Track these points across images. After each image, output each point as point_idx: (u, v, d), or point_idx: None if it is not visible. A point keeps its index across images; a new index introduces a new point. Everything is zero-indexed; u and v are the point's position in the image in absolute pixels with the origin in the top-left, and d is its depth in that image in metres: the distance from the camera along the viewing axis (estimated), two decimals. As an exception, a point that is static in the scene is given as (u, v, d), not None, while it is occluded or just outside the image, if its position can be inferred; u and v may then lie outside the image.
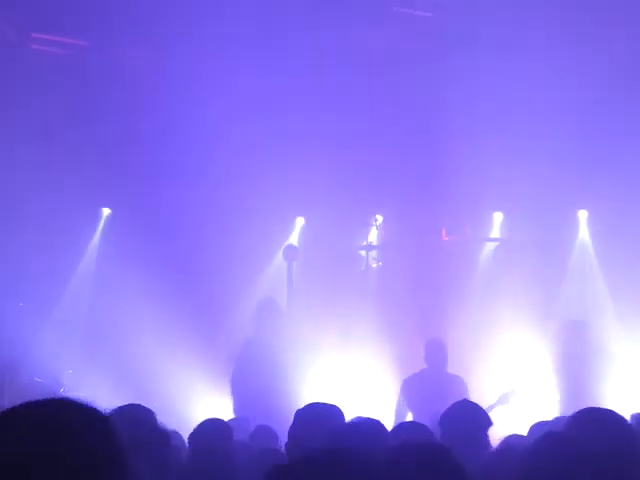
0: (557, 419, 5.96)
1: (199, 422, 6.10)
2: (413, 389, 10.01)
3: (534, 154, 11.75)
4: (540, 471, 2.99)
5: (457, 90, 11.87)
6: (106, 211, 13.92)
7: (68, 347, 12.28)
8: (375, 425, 4.58)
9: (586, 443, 3.22)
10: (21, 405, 2.28)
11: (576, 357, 10.48)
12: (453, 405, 5.24)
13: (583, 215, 13.32)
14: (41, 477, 2.08)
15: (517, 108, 11.54)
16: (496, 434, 6.18)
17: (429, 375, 10.14)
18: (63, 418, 2.23)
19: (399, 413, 9.91)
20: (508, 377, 10.85)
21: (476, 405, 5.38)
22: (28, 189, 11.93)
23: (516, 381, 10.38)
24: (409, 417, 9.64)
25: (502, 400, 9.91)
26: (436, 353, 10.33)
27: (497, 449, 5.20)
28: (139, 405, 4.72)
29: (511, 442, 5.16)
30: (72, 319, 12.77)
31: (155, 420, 4.55)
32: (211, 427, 5.89)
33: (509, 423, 9.50)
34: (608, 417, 4.00)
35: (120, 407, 4.48)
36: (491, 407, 9.68)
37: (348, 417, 5.35)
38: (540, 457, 3.09)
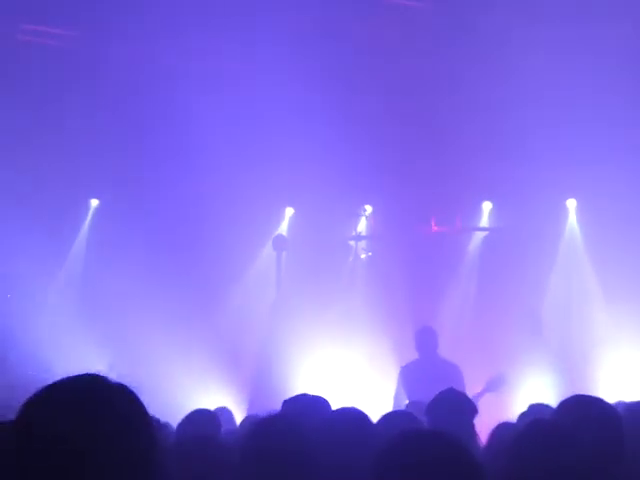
0: (545, 406, 5.97)
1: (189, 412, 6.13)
2: (410, 376, 10.00)
3: (523, 143, 11.76)
4: (526, 459, 3.00)
5: (445, 80, 11.89)
6: (94, 202, 13.90)
7: (58, 338, 12.27)
8: (359, 415, 4.59)
9: (572, 430, 3.23)
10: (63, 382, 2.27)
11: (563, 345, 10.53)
12: (438, 395, 5.25)
13: (572, 204, 13.34)
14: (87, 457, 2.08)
15: (505, 98, 11.55)
16: (485, 421, 6.22)
17: (425, 362, 10.14)
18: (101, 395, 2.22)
19: (397, 401, 9.91)
20: (498, 365, 10.85)
21: (461, 394, 5.40)
22: (16, 180, 11.89)
23: (504, 368, 10.37)
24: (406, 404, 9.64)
25: (490, 387, 9.91)
26: (427, 340, 10.34)
27: (488, 439, 5.22)
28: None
29: (500, 430, 5.18)
30: (61, 310, 12.74)
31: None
32: (199, 416, 5.91)
33: (499, 410, 9.55)
34: (595, 404, 4.02)
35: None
36: (479, 394, 9.69)
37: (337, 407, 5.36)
38: (526, 445, 3.10)
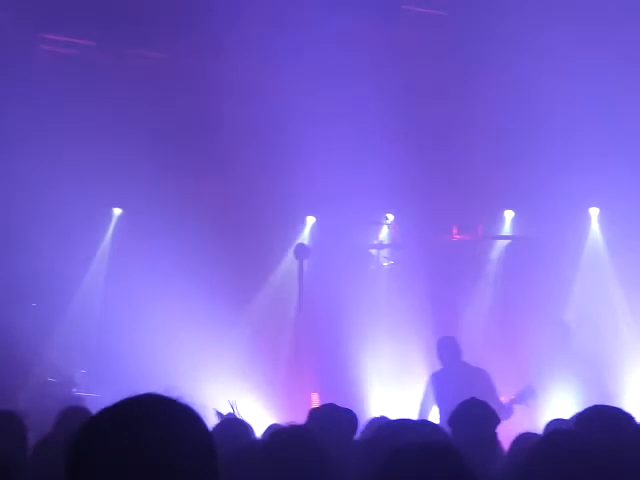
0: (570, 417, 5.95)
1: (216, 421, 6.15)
2: (439, 383, 9.90)
3: (545, 151, 11.73)
4: (542, 470, 3.01)
5: (468, 89, 11.88)
6: (117, 211, 13.96)
7: (81, 347, 12.34)
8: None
9: (589, 440, 3.23)
10: (128, 401, 2.24)
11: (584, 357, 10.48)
12: (460, 405, 5.24)
13: (594, 212, 13.29)
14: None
15: (527, 106, 11.52)
16: (512, 431, 6.20)
17: (453, 370, 10.03)
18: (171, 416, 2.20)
19: (423, 408, 9.86)
20: (521, 374, 10.80)
21: (483, 403, 5.38)
22: (39, 190, 11.96)
23: (533, 381, 10.29)
24: (434, 412, 9.60)
25: (518, 399, 9.81)
26: (448, 350, 10.22)
27: (510, 448, 5.22)
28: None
29: (521, 441, 5.17)
30: (84, 319, 12.81)
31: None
32: (230, 425, 5.91)
33: (525, 419, 9.51)
34: (614, 414, 4.01)
35: None
36: (507, 406, 9.57)
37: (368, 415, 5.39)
38: (542, 455, 3.10)
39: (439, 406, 9.50)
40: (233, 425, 5.89)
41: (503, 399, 9.69)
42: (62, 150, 11.68)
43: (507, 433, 5.41)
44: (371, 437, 4.61)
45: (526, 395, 9.87)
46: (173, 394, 2.25)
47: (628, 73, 11.22)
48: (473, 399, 5.36)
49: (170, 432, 2.14)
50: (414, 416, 9.28)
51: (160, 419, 2.17)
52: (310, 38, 11.69)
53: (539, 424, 6.84)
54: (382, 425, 4.81)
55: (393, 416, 6.61)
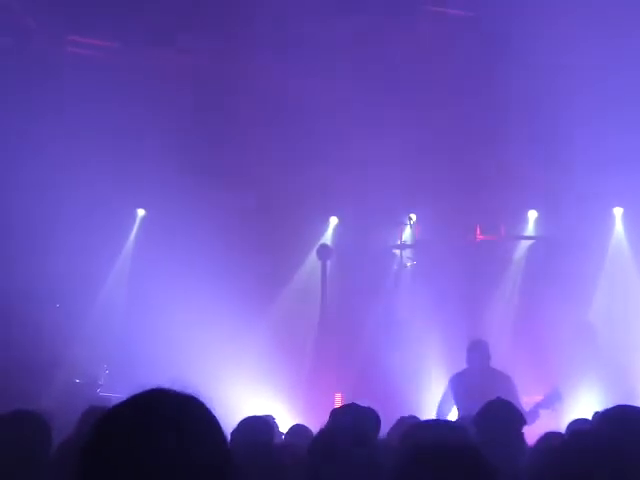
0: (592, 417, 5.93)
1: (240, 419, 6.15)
2: (461, 385, 9.84)
3: (569, 151, 11.68)
4: (565, 468, 2.99)
5: (492, 89, 11.85)
6: (141, 212, 14.02)
7: (105, 347, 12.39)
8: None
9: (612, 440, 3.22)
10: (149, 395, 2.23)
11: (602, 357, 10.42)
12: (486, 405, 5.23)
13: (618, 212, 13.23)
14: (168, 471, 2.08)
15: (552, 106, 11.47)
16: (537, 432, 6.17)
17: (477, 372, 9.96)
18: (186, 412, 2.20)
19: (441, 409, 9.82)
20: (547, 376, 10.74)
21: (509, 403, 5.36)
22: (63, 191, 12.03)
23: (559, 384, 10.20)
24: (453, 413, 9.56)
25: (544, 404, 9.69)
26: (479, 354, 10.11)
27: (533, 448, 5.19)
28: None
29: (546, 441, 5.15)
30: (108, 319, 12.86)
31: None
32: (253, 423, 5.91)
33: (551, 420, 9.44)
34: (636, 414, 3.99)
35: None
36: (533, 410, 9.48)
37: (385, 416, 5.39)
38: (566, 454, 3.09)
39: (459, 408, 9.46)
40: (254, 423, 5.90)
41: (527, 400, 9.62)
42: (87, 151, 11.72)
43: (532, 433, 5.38)
44: (398, 437, 4.61)
45: (553, 399, 9.72)
46: (186, 389, 2.25)
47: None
48: (499, 399, 5.34)
49: (182, 428, 2.14)
50: (432, 416, 9.24)
51: (172, 415, 2.16)
52: (329, 40, 11.70)
53: (563, 424, 6.81)
54: (410, 425, 4.81)
55: (421, 416, 6.60)
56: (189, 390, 2.25)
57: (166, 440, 2.10)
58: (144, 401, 2.22)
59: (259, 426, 5.85)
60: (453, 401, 9.72)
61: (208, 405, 2.25)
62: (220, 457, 2.19)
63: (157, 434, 2.11)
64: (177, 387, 2.28)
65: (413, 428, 4.93)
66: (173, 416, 2.16)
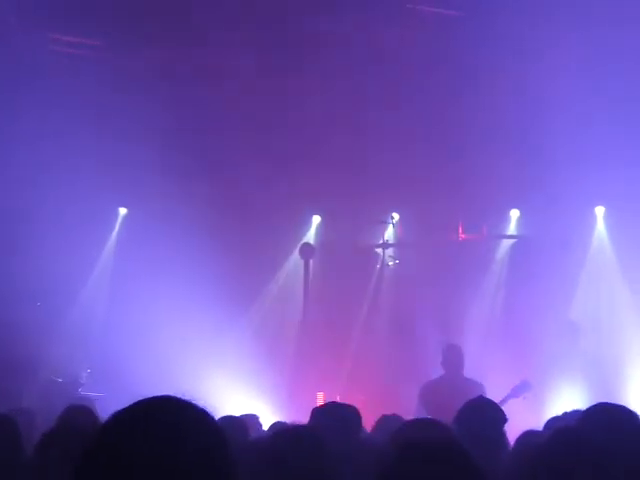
0: (570, 413, 5.94)
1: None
2: (431, 394, 9.95)
3: (550, 150, 11.71)
4: (549, 467, 3.00)
5: (473, 88, 11.87)
6: (123, 211, 13.98)
7: (86, 346, 12.35)
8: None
9: (596, 437, 3.23)
10: (143, 404, 2.24)
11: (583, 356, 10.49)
12: (467, 403, 5.23)
13: (600, 211, 13.27)
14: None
15: (533, 105, 11.51)
16: (512, 429, 6.19)
17: (448, 381, 10.08)
18: (183, 419, 2.20)
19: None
20: (527, 372, 10.79)
21: (491, 402, 5.37)
22: (45, 189, 11.98)
23: (528, 375, 10.29)
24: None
25: (513, 393, 9.85)
26: (453, 358, 10.28)
27: (514, 446, 5.20)
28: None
29: (526, 438, 5.16)
30: (90, 318, 12.82)
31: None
32: (226, 424, 5.90)
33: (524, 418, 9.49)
34: (619, 412, 4.00)
35: None
36: (502, 401, 9.63)
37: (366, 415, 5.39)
38: (550, 453, 3.09)
39: (433, 416, 9.50)
40: (229, 423, 5.89)
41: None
42: (69, 149, 11.68)
43: (513, 430, 5.39)
44: (380, 435, 4.62)
45: (522, 389, 9.89)
46: (186, 397, 2.25)
47: (635, 74, 11.19)
48: (480, 398, 5.35)
49: (185, 436, 2.14)
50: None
51: (176, 423, 2.17)
52: (313, 39, 11.71)
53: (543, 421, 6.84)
54: (393, 423, 4.81)
55: (403, 414, 6.61)
56: (179, 394, 2.26)
57: (168, 446, 2.11)
58: (148, 408, 2.22)
59: (234, 426, 5.84)
60: (428, 409, 9.79)
61: (210, 412, 2.26)
62: (221, 464, 2.19)
63: (160, 442, 2.11)
64: (164, 387, 2.28)
65: (402, 427, 4.94)
66: (177, 424, 2.17)
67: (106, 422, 2.19)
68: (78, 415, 5.77)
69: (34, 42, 12.25)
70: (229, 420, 6.02)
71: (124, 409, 2.22)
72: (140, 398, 2.26)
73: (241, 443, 4.98)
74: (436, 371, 10.43)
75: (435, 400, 9.66)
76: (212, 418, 2.25)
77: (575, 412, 5.73)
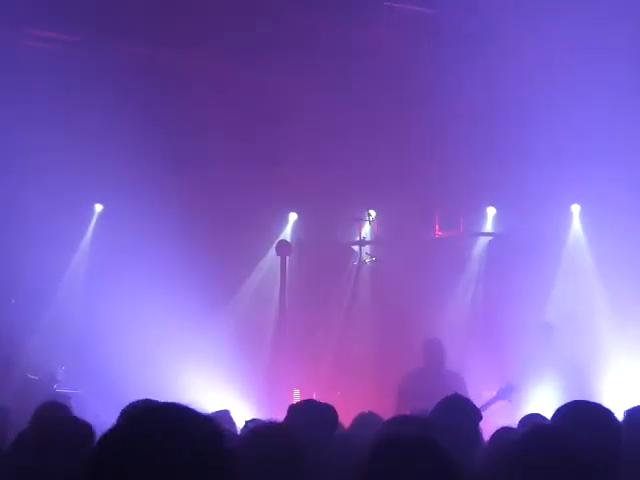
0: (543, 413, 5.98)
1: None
2: (412, 386, 10.01)
3: (527, 149, 11.75)
4: (524, 463, 3.01)
5: (450, 86, 11.88)
6: (98, 207, 13.91)
7: (62, 343, 12.28)
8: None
9: (570, 434, 3.24)
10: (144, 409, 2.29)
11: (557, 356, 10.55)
12: (442, 400, 5.25)
13: (576, 209, 13.34)
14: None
15: (510, 103, 11.53)
16: (488, 426, 6.22)
17: (428, 372, 10.14)
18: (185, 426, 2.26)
19: (400, 408, 9.89)
20: (504, 370, 10.85)
21: (465, 399, 5.39)
22: (19, 186, 11.92)
23: (514, 377, 10.37)
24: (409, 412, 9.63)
25: (500, 395, 9.92)
26: (434, 352, 10.33)
27: (488, 443, 5.22)
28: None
29: (500, 435, 5.18)
30: (65, 315, 12.75)
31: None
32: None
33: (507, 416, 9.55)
34: (593, 409, 4.02)
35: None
36: (489, 402, 9.71)
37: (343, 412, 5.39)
38: (525, 450, 3.11)
39: (411, 407, 9.55)
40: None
41: (487, 395, 9.77)
42: (43, 145, 11.62)
43: (489, 428, 5.41)
44: (355, 432, 4.62)
45: (508, 391, 9.97)
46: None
47: (610, 71, 11.24)
48: (456, 395, 5.37)
49: (192, 446, 2.20)
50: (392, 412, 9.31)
51: (184, 433, 2.22)
52: (286, 37, 11.69)
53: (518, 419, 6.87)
54: (370, 421, 4.83)
55: (378, 412, 6.61)
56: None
57: (175, 455, 2.16)
58: (155, 416, 2.28)
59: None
60: (409, 401, 9.82)
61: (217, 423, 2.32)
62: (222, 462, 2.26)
63: (166, 450, 2.17)
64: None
65: (383, 425, 4.96)
66: (184, 434, 2.22)
67: (110, 431, 2.25)
68: (52, 412, 5.74)
69: (10, 37, 12.16)
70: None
71: (126, 418, 2.28)
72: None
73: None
74: (415, 365, 10.48)
75: (415, 391, 9.72)
76: (220, 430, 2.31)
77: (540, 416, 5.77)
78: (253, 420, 6.80)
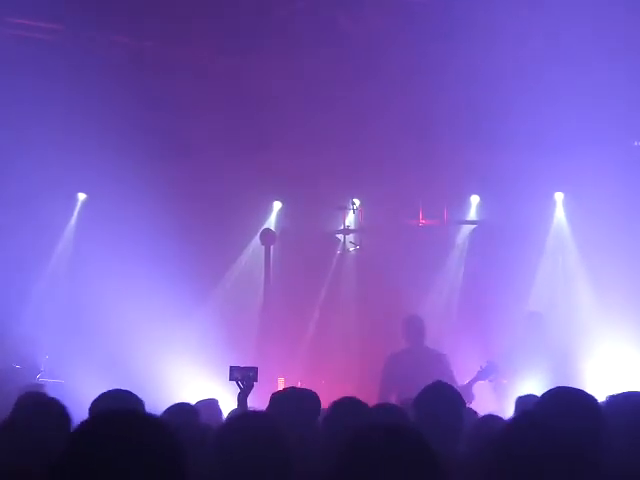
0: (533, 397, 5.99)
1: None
2: (397, 365, 10.05)
3: (510, 137, 11.77)
4: (509, 451, 3.03)
5: (433, 74, 11.88)
6: (82, 196, 13.87)
7: (45, 332, 12.24)
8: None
9: (553, 421, 3.26)
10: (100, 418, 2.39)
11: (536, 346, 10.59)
12: (425, 388, 5.26)
13: (559, 197, 13.37)
14: None
15: (494, 91, 11.53)
16: (477, 410, 6.23)
17: (412, 352, 10.19)
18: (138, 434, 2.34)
19: (384, 391, 9.92)
20: (487, 356, 10.89)
21: (449, 386, 5.40)
22: (4, 174, 11.86)
23: (494, 357, 10.41)
24: (394, 394, 9.65)
25: (481, 376, 9.96)
26: (414, 328, 10.40)
27: (473, 431, 5.24)
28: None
29: (486, 424, 5.20)
30: (49, 304, 12.72)
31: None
32: (178, 410, 5.88)
33: (493, 401, 9.62)
34: (575, 395, 4.05)
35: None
36: (470, 383, 9.76)
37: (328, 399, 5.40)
38: (510, 438, 3.12)
39: (397, 389, 9.58)
40: (181, 411, 5.88)
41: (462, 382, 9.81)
42: (27, 133, 11.56)
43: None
44: (334, 419, 4.63)
45: (489, 371, 10.01)
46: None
47: (595, 59, 11.25)
48: (439, 382, 5.38)
49: (142, 452, 2.29)
50: (376, 397, 9.34)
51: (134, 438, 2.31)
52: (270, 23, 11.64)
53: (505, 406, 6.90)
54: (347, 407, 4.84)
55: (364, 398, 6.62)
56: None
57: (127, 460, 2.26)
58: (112, 422, 2.38)
59: (184, 413, 5.83)
60: (394, 381, 9.86)
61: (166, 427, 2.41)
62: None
63: (118, 455, 2.26)
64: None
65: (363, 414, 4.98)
66: (137, 440, 2.32)
67: (72, 434, 2.36)
68: (33, 402, 5.71)
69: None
70: (178, 407, 6.00)
71: (86, 423, 2.39)
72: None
73: (189, 430, 4.99)
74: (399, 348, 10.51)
75: (399, 372, 9.76)
76: (169, 433, 2.38)
77: (530, 397, 5.78)
78: (236, 409, 6.81)
